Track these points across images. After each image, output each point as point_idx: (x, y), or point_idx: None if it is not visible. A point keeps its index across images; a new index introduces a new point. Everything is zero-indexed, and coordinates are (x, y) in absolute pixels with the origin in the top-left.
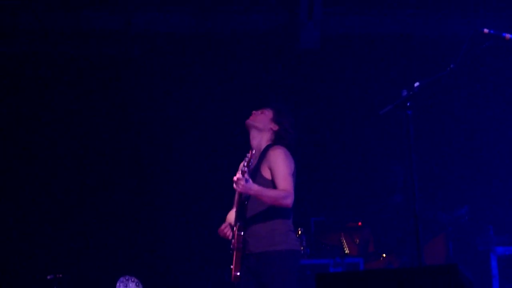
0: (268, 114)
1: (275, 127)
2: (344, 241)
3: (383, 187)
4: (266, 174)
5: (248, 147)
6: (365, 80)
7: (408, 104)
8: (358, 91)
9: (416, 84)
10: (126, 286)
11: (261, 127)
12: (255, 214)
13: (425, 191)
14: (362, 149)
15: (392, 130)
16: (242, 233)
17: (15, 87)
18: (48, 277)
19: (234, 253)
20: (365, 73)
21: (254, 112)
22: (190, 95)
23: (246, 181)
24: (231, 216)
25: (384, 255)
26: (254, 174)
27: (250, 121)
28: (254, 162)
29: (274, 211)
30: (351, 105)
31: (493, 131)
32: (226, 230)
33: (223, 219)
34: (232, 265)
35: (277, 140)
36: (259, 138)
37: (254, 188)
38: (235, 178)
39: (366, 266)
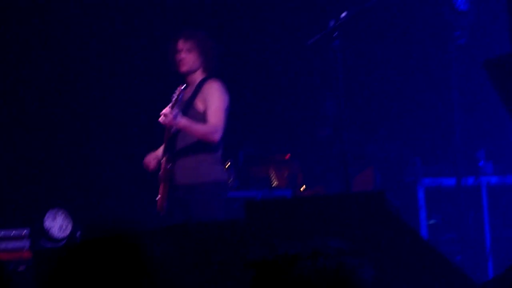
0: (193, 49)
1: (202, 57)
2: (273, 174)
3: (313, 119)
4: (199, 107)
5: (179, 80)
6: (293, 10)
7: (335, 34)
8: (286, 21)
9: (343, 14)
10: (55, 219)
11: (195, 67)
12: (183, 147)
13: (354, 124)
14: (291, 81)
15: (320, 61)
16: (170, 165)
17: None
18: None
19: (161, 185)
20: (293, 3)
21: (179, 56)
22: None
23: (175, 115)
24: (160, 150)
25: (315, 187)
26: (188, 106)
27: (185, 69)
28: (187, 94)
29: (201, 145)
30: (279, 35)
31: (421, 62)
32: (148, 161)
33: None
34: (159, 196)
35: (207, 68)
36: (193, 74)
37: (182, 121)
38: (162, 112)
39: None
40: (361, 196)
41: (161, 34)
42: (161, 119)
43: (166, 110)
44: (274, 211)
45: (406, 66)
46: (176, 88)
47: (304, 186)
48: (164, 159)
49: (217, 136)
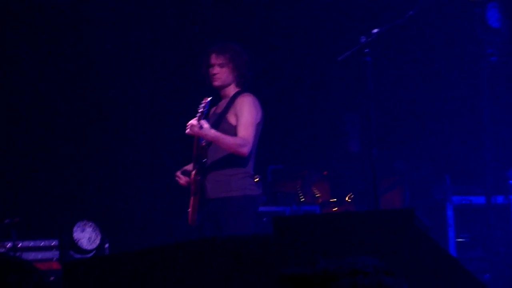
0: (226, 64)
1: (235, 71)
2: (301, 189)
3: (342, 135)
4: (232, 120)
5: (208, 91)
6: (324, 27)
7: (366, 50)
8: (317, 38)
9: (375, 30)
10: (83, 231)
11: (228, 82)
12: (214, 160)
13: (383, 140)
14: (321, 96)
15: (351, 77)
16: (199, 177)
17: None
18: (6, 221)
19: (192, 197)
20: (324, 20)
21: (212, 71)
22: (144, 41)
23: (200, 126)
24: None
25: (347, 199)
26: (220, 119)
27: (217, 84)
28: (220, 108)
29: (232, 158)
30: (310, 52)
31: (453, 79)
32: (179, 175)
33: (184, 163)
34: (190, 208)
35: (240, 83)
36: (227, 88)
37: (211, 133)
38: (188, 123)
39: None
40: (390, 213)
41: (192, 46)
42: (187, 130)
43: (191, 121)
44: (302, 227)
45: (437, 83)
46: (202, 100)
47: (336, 208)
48: (194, 171)
49: (246, 150)
